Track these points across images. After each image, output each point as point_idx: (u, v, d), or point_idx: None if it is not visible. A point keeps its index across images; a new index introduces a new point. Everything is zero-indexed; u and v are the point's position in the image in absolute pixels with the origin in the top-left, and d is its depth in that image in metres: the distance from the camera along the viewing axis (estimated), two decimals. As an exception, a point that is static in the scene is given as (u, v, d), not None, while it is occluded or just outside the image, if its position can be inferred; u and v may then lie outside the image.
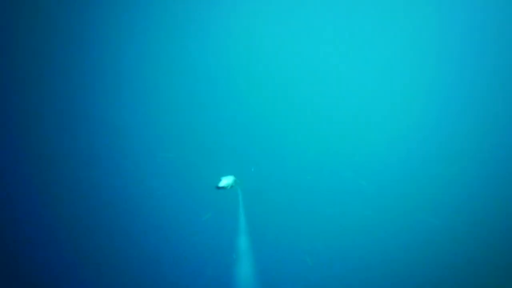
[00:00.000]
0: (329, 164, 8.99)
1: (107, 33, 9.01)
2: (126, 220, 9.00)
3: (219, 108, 9.27)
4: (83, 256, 8.87)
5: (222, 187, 7.97)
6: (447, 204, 8.55)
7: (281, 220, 8.88)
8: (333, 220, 8.78)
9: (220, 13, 9.12)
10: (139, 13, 9.05)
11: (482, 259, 8.34)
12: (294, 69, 9.10)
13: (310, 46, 9.07)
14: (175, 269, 8.98)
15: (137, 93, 9.20)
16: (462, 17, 8.61)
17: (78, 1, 8.94)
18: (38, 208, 8.93)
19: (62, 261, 8.83)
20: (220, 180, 8.07)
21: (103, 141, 9.07)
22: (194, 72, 9.16)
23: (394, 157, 8.85)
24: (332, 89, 9.10)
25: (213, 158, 9.03)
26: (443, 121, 8.74)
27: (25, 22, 8.82)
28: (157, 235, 9.02)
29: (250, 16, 9.14)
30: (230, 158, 9.00)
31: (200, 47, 9.13)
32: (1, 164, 8.89)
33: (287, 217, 8.90)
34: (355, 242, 8.72)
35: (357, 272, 8.64)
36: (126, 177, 8.97)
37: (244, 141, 9.15)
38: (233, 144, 9.09)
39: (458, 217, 8.47)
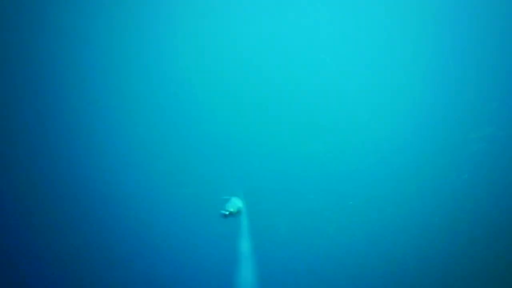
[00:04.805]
0: (330, 165, 8.96)
1: (98, 33, 8.96)
2: (122, 222, 8.99)
3: (217, 109, 9.24)
4: (78, 257, 8.86)
5: (230, 214, 7.03)
6: (447, 204, 8.55)
7: (281, 222, 8.86)
8: (337, 221, 8.76)
9: (216, 10, 9.09)
10: (130, 12, 8.99)
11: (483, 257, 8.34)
12: (291, 69, 9.04)
13: (306, 45, 9.03)
14: (174, 273, 8.96)
15: (131, 93, 9.13)
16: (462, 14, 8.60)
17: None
18: (32, 208, 8.91)
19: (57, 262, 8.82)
20: (225, 206, 7.13)
21: (99, 142, 9.04)
22: (188, 73, 9.11)
23: (394, 157, 8.84)
24: (328, 89, 9.06)
25: (212, 160, 9.01)
26: (441, 120, 8.74)
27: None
28: (155, 238, 9.00)
29: (244, 14, 9.11)
30: (230, 160, 8.97)
31: (194, 47, 9.08)
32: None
33: (288, 218, 8.87)
34: (359, 243, 8.70)
35: (362, 274, 8.62)
36: (122, 179, 8.95)
37: (242, 143, 9.11)
38: (232, 145, 9.05)
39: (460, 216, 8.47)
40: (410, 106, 8.77)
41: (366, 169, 8.76)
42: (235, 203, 7.37)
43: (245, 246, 8.26)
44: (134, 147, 9.09)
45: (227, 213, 7.03)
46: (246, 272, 8.15)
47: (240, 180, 8.56)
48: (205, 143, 9.07)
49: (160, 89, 9.09)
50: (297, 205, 8.80)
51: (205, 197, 8.50)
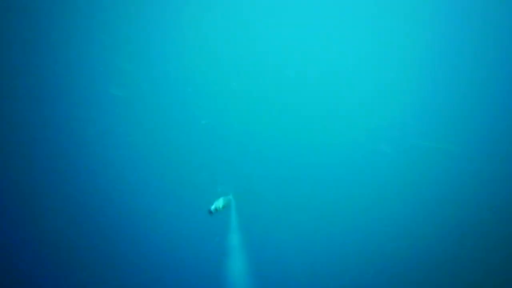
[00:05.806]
0: (323, 161, 8.94)
1: (99, 34, 8.98)
2: (114, 220, 9.01)
3: (215, 109, 9.23)
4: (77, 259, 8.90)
5: (216, 210, 7.59)
6: (445, 203, 8.52)
7: (273, 217, 8.85)
8: (327, 217, 8.75)
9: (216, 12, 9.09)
10: (132, 13, 9.00)
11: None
12: (288, 69, 9.02)
13: (304, 45, 9.01)
14: (165, 268, 8.97)
15: (128, 93, 9.14)
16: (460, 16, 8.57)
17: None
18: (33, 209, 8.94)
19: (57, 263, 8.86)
20: (212, 204, 7.71)
21: (96, 143, 9.06)
22: (187, 73, 9.10)
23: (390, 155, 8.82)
24: (326, 89, 9.04)
25: (206, 158, 9.01)
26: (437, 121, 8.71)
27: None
28: (148, 236, 9.02)
29: (244, 15, 9.11)
30: (223, 156, 8.96)
31: (189, 50, 9.06)
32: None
33: (279, 214, 8.86)
34: (349, 239, 8.70)
35: (350, 270, 8.62)
36: (118, 179, 8.97)
37: (237, 140, 9.10)
38: (227, 141, 9.04)
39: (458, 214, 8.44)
40: (409, 107, 8.78)
41: (360, 168, 8.77)
42: (221, 200, 7.79)
43: (236, 241, 8.36)
44: (129, 148, 9.11)
45: (212, 209, 7.50)
46: (238, 267, 8.24)
47: (233, 177, 8.62)
48: (198, 141, 9.07)
49: (155, 90, 9.12)
50: (290, 203, 8.81)
51: (200, 195, 8.51)
